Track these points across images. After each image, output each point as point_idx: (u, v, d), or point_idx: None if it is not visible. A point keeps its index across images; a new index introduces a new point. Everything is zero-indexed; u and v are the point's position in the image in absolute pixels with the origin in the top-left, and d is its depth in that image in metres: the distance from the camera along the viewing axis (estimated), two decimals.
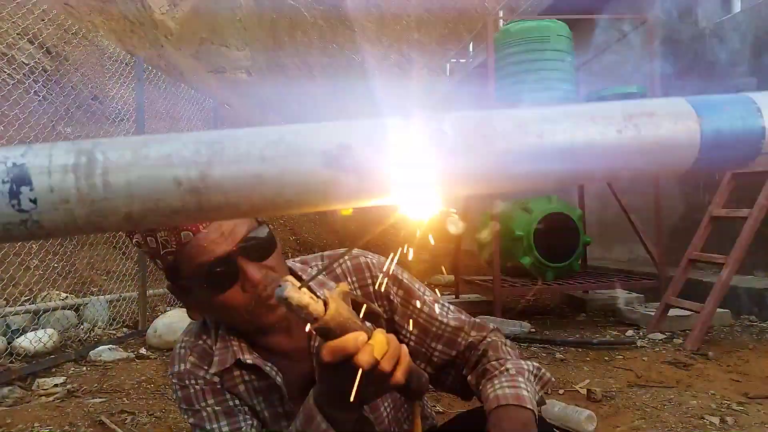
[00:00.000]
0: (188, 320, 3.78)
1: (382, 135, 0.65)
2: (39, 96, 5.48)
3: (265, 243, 1.17)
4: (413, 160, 0.63)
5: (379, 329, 0.92)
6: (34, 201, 0.61)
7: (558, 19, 6.10)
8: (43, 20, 5.17)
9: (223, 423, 1.22)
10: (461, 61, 14.20)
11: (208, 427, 1.22)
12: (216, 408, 1.23)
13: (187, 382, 1.25)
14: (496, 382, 1.18)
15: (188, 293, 1.19)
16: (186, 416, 1.26)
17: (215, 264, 1.10)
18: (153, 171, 0.64)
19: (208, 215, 0.68)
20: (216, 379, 1.24)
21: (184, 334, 1.33)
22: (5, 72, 5.30)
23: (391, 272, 1.30)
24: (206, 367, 1.25)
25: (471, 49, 13.86)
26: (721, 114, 0.71)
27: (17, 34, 5.37)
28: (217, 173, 0.64)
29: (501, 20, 9.34)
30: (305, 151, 0.63)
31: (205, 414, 1.23)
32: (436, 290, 1.39)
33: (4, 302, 4.39)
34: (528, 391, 1.16)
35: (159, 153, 0.65)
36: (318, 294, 0.86)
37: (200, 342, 1.28)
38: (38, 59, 5.98)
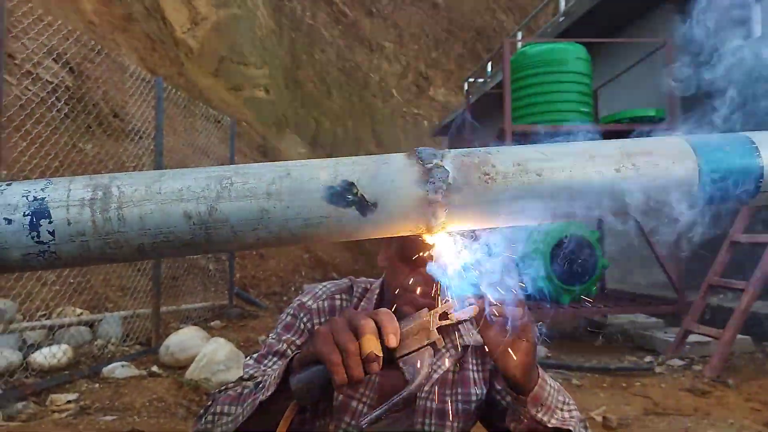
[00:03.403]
0: (199, 339, 3.81)
1: (384, 171, 0.65)
2: (61, 114, 5.59)
3: None
4: (414, 197, 0.63)
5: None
6: (52, 233, 0.63)
7: (576, 42, 6.10)
8: (68, 39, 5.28)
9: (280, 362, 1.25)
10: (479, 80, 14.24)
11: (272, 353, 1.28)
12: (292, 348, 1.28)
13: (301, 315, 1.33)
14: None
15: (393, 239, 1.25)
16: (272, 334, 1.33)
17: (425, 243, 1.16)
18: (165, 206, 0.65)
19: (216, 247, 0.69)
20: None
21: (333, 284, 1.41)
22: (29, 90, 5.41)
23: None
24: (323, 320, 1.32)
25: (489, 68, 13.90)
26: (719, 153, 0.71)
27: (42, 53, 5.49)
28: (225, 208, 0.65)
29: (519, 42, 9.37)
30: (310, 187, 0.64)
31: (284, 346, 1.28)
32: None
33: (21, 317, 4.43)
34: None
35: (171, 188, 0.66)
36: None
37: (338, 299, 1.36)
38: (62, 77, 6.10)
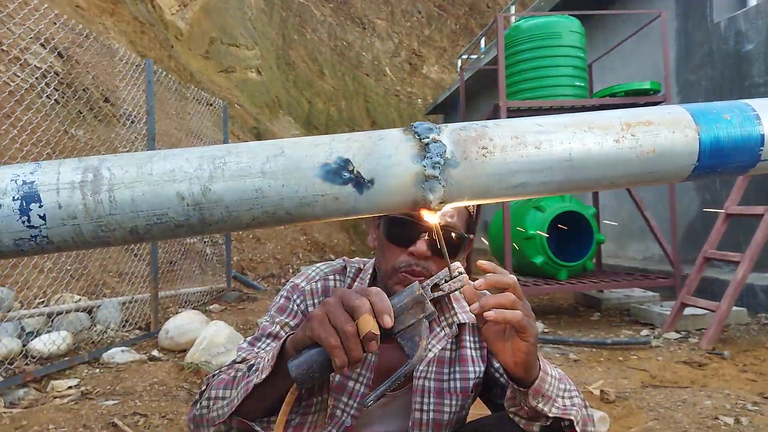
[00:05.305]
0: (198, 323, 3.84)
1: (380, 147, 0.64)
2: (51, 99, 5.52)
3: (451, 244, 1.22)
4: (411, 173, 0.62)
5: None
6: (43, 217, 0.62)
7: (570, 15, 6.04)
8: (55, 24, 5.19)
9: (273, 344, 1.26)
10: (473, 57, 14.12)
11: (266, 335, 1.29)
12: (286, 329, 1.29)
13: (294, 296, 1.35)
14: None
15: (380, 220, 1.30)
16: (266, 317, 1.35)
17: (411, 222, 1.21)
18: (157, 187, 0.64)
19: (210, 228, 0.68)
20: None
21: (327, 265, 1.42)
22: (18, 76, 5.34)
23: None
24: (317, 301, 1.33)
25: (483, 44, 13.78)
26: (720, 122, 0.70)
27: (30, 38, 5.41)
28: (218, 188, 0.64)
29: (512, 16, 9.28)
30: (305, 165, 0.63)
31: (277, 328, 1.30)
32: None
33: (19, 305, 4.42)
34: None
35: (162, 169, 0.65)
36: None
37: (331, 279, 1.38)
38: (50, 63, 6.02)
